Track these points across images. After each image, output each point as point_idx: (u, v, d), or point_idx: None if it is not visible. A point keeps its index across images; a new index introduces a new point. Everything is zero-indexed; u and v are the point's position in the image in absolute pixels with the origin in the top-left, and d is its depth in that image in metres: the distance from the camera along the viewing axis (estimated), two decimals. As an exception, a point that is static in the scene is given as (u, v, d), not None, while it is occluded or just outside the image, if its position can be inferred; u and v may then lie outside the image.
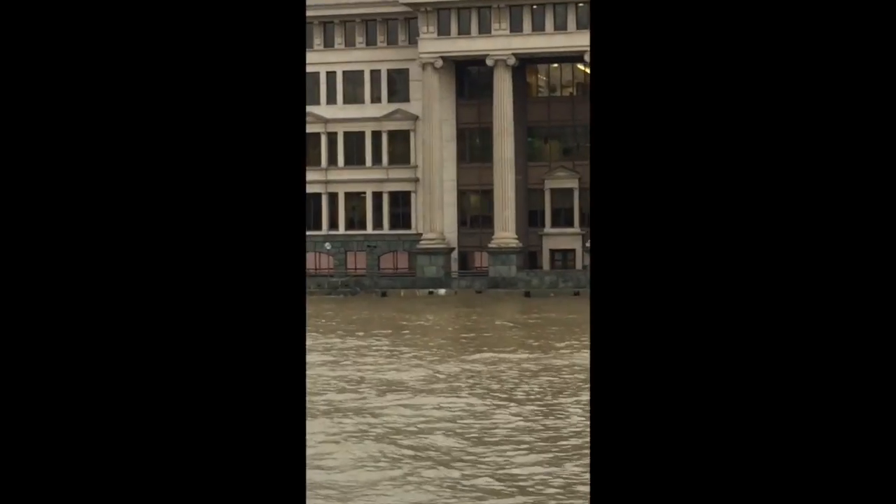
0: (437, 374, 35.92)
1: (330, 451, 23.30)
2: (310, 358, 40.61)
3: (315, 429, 25.91)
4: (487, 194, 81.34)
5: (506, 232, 78.83)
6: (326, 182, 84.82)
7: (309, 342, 46.15)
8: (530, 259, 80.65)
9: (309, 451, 23.05)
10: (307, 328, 51.38)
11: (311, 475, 21.20)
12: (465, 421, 27.10)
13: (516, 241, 78.96)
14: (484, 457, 22.74)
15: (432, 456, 22.95)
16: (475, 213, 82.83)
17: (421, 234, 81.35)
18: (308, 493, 19.08)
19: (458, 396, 31.12)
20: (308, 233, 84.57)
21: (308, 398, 31.02)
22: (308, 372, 36.60)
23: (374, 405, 29.78)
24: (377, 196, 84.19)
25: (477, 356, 40.91)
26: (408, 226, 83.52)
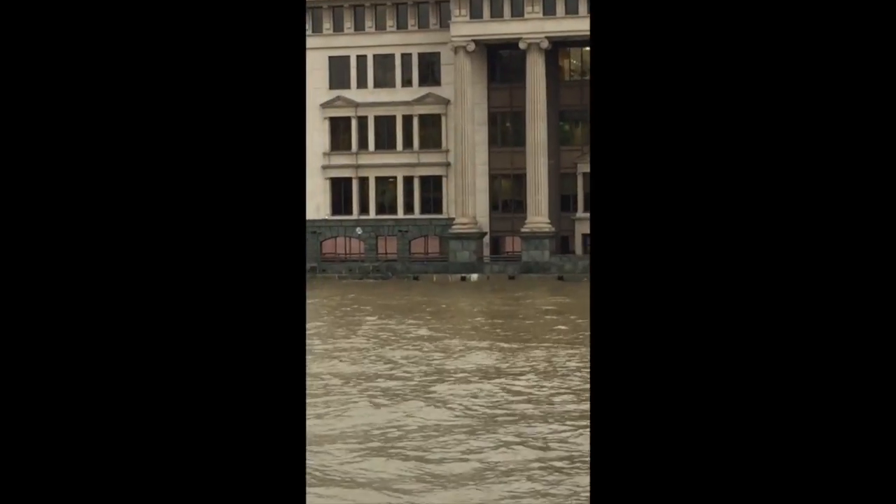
0: (504, 359, 35.60)
1: (431, 443, 22.96)
2: (372, 344, 40.33)
3: (422, 412, 25.59)
4: (519, 179, 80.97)
5: (539, 216, 78.43)
6: (357, 166, 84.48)
7: (364, 328, 45.86)
8: (562, 243, 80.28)
9: (416, 443, 22.72)
10: (364, 312, 51.14)
11: (424, 467, 20.87)
12: (548, 406, 26.77)
13: (549, 225, 78.57)
14: (571, 439, 22.40)
15: (531, 442, 22.61)
16: (506, 198, 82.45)
17: (452, 219, 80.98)
18: (418, 484, 18.76)
19: (526, 380, 30.80)
20: (338, 217, 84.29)
21: (392, 383, 30.70)
22: (373, 352, 36.33)
23: (439, 391, 29.46)
24: (408, 180, 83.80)
25: (531, 343, 40.59)
26: (439, 210, 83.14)
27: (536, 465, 20.52)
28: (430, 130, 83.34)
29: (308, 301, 59.13)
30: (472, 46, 78.91)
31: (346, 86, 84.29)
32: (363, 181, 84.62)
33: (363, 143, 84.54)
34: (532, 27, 77.85)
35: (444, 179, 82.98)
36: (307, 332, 37.73)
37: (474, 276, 77.77)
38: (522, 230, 78.82)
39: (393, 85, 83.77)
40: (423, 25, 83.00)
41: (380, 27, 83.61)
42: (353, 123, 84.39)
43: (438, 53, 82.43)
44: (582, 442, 22.13)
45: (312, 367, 33.22)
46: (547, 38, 77.71)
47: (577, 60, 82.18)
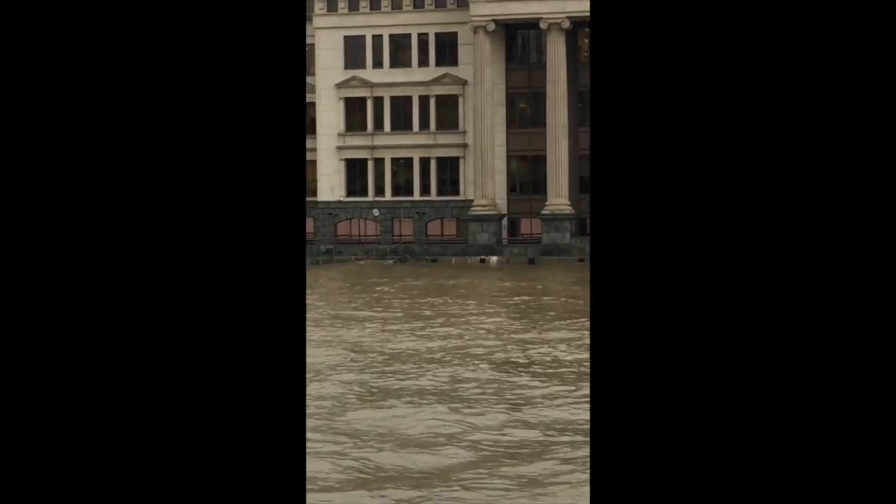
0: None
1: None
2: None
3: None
4: (536, 160, 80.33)
5: (559, 198, 77.81)
6: (372, 147, 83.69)
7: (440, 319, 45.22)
8: (580, 225, 79.70)
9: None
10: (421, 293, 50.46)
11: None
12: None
13: (570, 207, 77.95)
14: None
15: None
16: (524, 180, 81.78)
17: (469, 201, 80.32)
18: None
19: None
20: (353, 199, 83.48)
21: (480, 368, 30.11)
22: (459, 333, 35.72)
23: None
24: (425, 162, 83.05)
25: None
26: (456, 192, 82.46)
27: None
28: (447, 111, 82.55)
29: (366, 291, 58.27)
30: (492, 26, 78.09)
31: (362, 66, 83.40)
32: (379, 162, 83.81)
33: (379, 124, 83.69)
34: (553, 7, 77.12)
35: (461, 161, 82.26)
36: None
37: (494, 259, 77.10)
38: (543, 212, 78.18)
39: (409, 65, 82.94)
40: (440, 5, 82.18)
41: (396, 6, 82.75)
42: (369, 104, 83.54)
43: (456, 33, 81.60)
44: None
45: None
46: (568, 17, 76.95)
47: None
